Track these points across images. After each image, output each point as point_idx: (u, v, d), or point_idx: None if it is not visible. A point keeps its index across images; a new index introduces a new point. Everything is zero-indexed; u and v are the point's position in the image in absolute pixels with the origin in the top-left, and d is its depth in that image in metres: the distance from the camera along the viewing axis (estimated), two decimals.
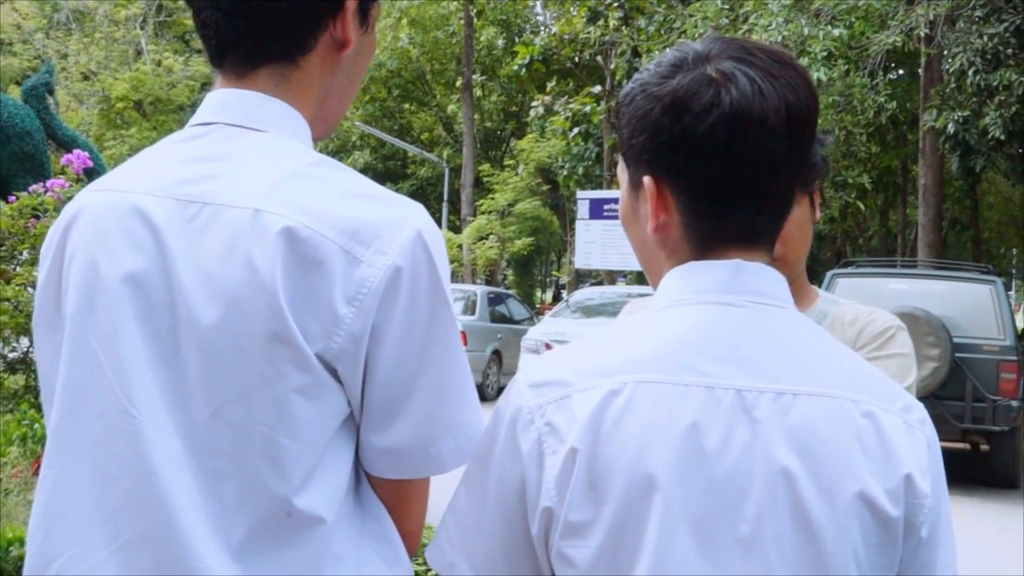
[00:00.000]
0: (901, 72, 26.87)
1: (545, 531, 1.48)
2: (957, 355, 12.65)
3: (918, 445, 1.52)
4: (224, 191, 1.60)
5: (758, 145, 1.51)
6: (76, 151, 8.52)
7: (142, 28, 39.03)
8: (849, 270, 14.83)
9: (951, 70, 18.25)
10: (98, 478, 1.59)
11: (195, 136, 1.71)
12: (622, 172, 1.69)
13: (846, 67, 19.56)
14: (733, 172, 1.53)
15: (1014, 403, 12.66)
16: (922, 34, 18.55)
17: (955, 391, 12.68)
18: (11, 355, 8.11)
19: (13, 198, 7.94)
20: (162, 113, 38.26)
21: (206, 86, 38.33)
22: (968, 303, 13.33)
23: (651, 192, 1.59)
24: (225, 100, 1.72)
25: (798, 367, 1.51)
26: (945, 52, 18.84)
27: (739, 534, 1.43)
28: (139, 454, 1.56)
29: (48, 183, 8.11)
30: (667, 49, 1.66)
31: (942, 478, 1.56)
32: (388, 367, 1.59)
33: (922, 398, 12.32)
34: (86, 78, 38.77)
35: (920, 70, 21.61)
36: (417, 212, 1.65)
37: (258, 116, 1.70)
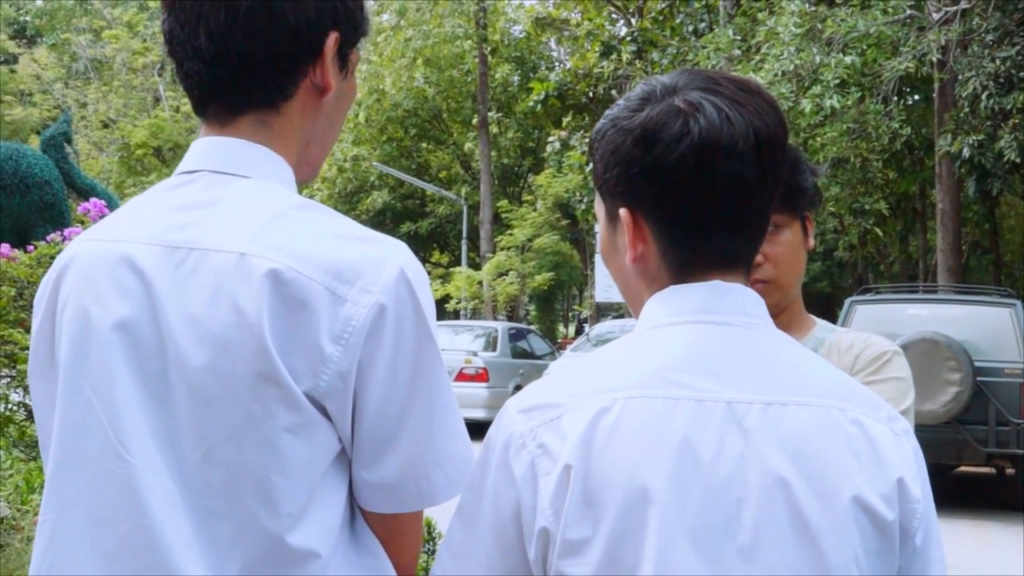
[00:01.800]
0: (915, 98, 26.84)
1: (543, 553, 1.48)
2: (979, 379, 12.56)
3: (906, 452, 1.55)
4: (210, 236, 1.64)
5: (729, 171, 1.55)
6: (93, 199, 8.59)
7: (160, 75, 39.34)
8: (868, 297, 14.78)
9: (964, 94, 18.23)
10: (94, 522, 1.63)
11: (181, 184, 1.75)
12: (599, 206, 1.72)
13: (859, 94, 19.56)
14: (706, 199, 1.56)
15: None
16: (934, 59, 18.58)
17: (978, 415, 12.57)
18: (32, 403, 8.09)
19: (31, 247, 8.00)
20: (181, 159, 38.48)
21: None
22: (989, 326, 13.25)
23: (627, 223, 1.62)
24: (209, 148, 1.77)
25: (784, 379, 1.54)
26: (958, 77, 18.81)
27: (739, 543, 1.44)
28: (133, 497, 1.59)
29: (66, 231, 8.18)
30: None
31: (930, 490, 1.58)
32: (376, 403, 1.62)
33: (946, 423, 12.29)
34: (105, 126, 39.07)
35: (934, 95, 21.58)
36: (400, 250, 1.68)
37: (241, 162, 1.74)
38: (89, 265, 1.71)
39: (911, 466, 1.54)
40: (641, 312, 1.67)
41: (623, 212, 1.62)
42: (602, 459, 1.47)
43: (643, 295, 1.68)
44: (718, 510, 1.45)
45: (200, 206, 1.69)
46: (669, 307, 1.61)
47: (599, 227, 1.76)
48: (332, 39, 1.75)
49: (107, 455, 1.62)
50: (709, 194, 1.56)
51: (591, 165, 1.70)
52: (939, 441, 12.09)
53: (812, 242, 2.81)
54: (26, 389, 7.81)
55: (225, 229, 1.64)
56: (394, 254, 1.66)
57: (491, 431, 1.59)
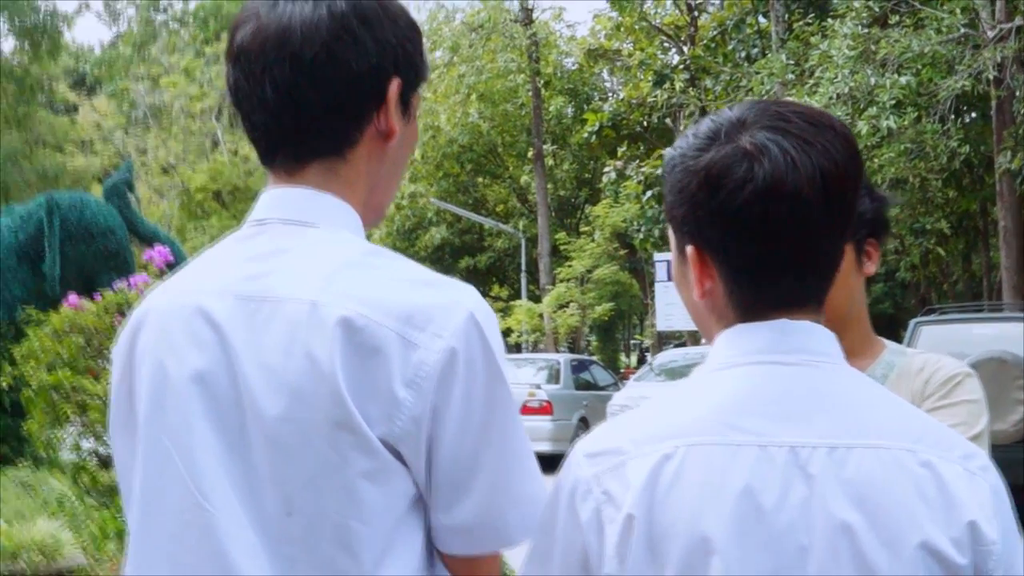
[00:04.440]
0: (972, 116, 26.63)
1: None
2: None
3: (981, 492, 1.51)
4: (282, 286, 1.66)
5: (794, 217, 1.52)
6: (157, 246, 8.71)
7: (217, 119, 39.72)
8: (932, 317, 14.63)
9: (1023, 111, 18.07)
10: (178, 572, 1.65)
11: (252, 235, 1.77)
12: (671, 236, 1.72)
13: (916, 114, 19.41)
14: (770, 245, 1.55)
15: None
16: (991, 77, 18.44)
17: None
18: (103, 450, 8.21)
19: (98, 296, 8.10)
20: (241, 201, 38.81)
21: None
22: None
23: (694, 261, 1.62)
24: (278, 198, 1.78)
25: (851, 420, 1.51)
26: (1016, 93, 18.66)
27: None
28: (215, 546, 1.61)
29: (132, 279, 8.29)
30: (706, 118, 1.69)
31: (1012, 524, 1.53)
32: (451, 447, 1.62)
33: (1017, 443, 12.11)
34: (165, 172, 39.51)
35: (991, 112, 21.40)
36: (469, 294, 1.69)
37: (310, 211, 1.75)
38: (165, 318, 1.74)
39: (986, 506, 1.50)
40: (711, 349, 1.66)
41: (690, 250, 1.62)
42: (664, 508, 1.47)
43: (713, 329, 1.68)
44: (781, 559, 1.44)
45: (271, 256, 1.71)
46: (735, 346, 1.61)
47: (672, 256, 1.76)
48: (395, 85, 1.77)
49: (187, 505, 1.64)
50: (774, 240, 1.54)
51: (657, 194, 1.68)
52: (1010, 461, 11.91)
53: (872, 268, 2.76)
54: (97, 436, 7.88)
55: (296, 278, 1.66)
56: (463, 298, 1.67)
57: (560, 473, 1.60)
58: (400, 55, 1.79)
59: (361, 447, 1.58)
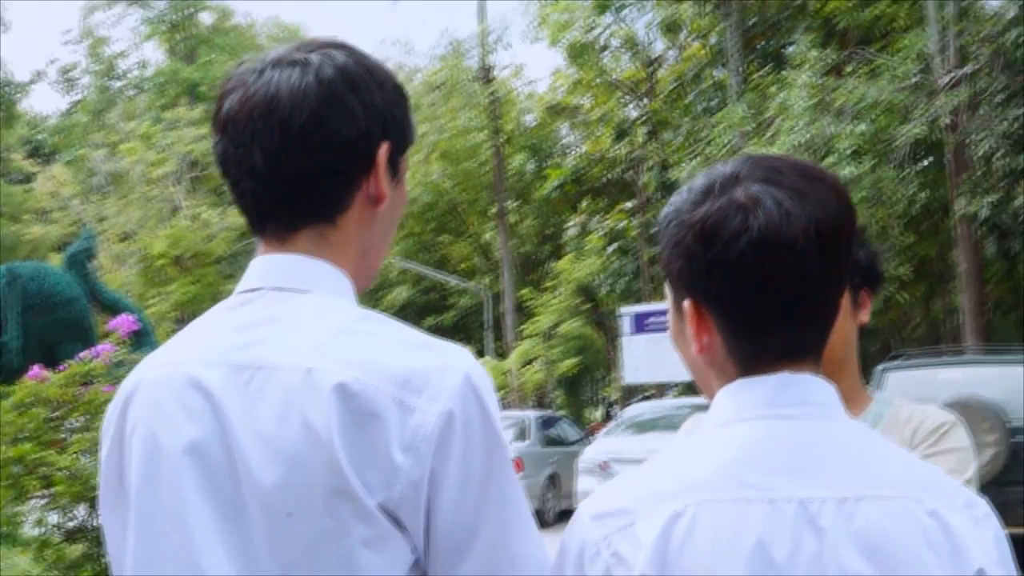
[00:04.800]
0: (928, 161, 26.91)
1: None
2: (1015, 439, 12.45)
3: (986, 539, 1.52)
4: (275, 353, 1.64)
5: (789, 267, 1.53)
6: (123, 315, 8.67)
7: (177, 185, 39.66)
8: (898, 363, 14.68)
9: (978, 156, 18.31)
10: None
11: (243, 303, 1.75)
12: (667, 292, 1.72)
13: (873, 162, 19.61)
14: (768, 296, 1.55)
15: None
16: (945, 123, 18.66)
17: (1018, 475, 12.37)
18: (69, 524, 8.11)
19: (63, 367, 8.04)
20: (202, 266, 38.69)
21: (244, 236, 38.81)
22: (1021, 385, 13.15)
23: (691, 315, 1.61)
24: (269, 265, 1.77)
25: (857, 471, 1.51)
26: (970, 139, 18.87)
27: None
28: None
29: (98, 348, 8.22)
30: (700, 171, 1.69)
31: (1012, 569, 1.55)
32: (449, 510, 1.60)
33: (985, 485, 12.14)
34: (125, 238, 39.34)
35: (947, 158, 21.65)
36: (464, 357, 1.67)
37: (302, 278, 1.74)
38: (156, 389, 1.71)
39: (991, 554, 1.51)
40: (712, 404, 1.66)
41: (687, 304, 1.62)
42: (677, 566, 1.46)
43: (712, 384, 1.67)
44: None
45: (263, 324, 1.70)
46: (737, 401, 1.60)
47: (669, 312, 1.75)
48: (384, 149, 1.77)
49: None
50: (771, 291, 1.54)
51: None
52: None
53: (866, 317, 2.77)
54: (63, 510, 7.79)
55: (290, 345, 1.65)
56: (458, 360, 1.65)
57: (564, 537, 1.58)
58: (388, 120, 1.79)
59: (359, 514, 1.56)
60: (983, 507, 1.56)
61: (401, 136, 1.82)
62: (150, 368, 1.77)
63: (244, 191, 1.76)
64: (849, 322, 2.75)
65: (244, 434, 1.61)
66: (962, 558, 1.48)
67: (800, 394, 1.58)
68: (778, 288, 1.54)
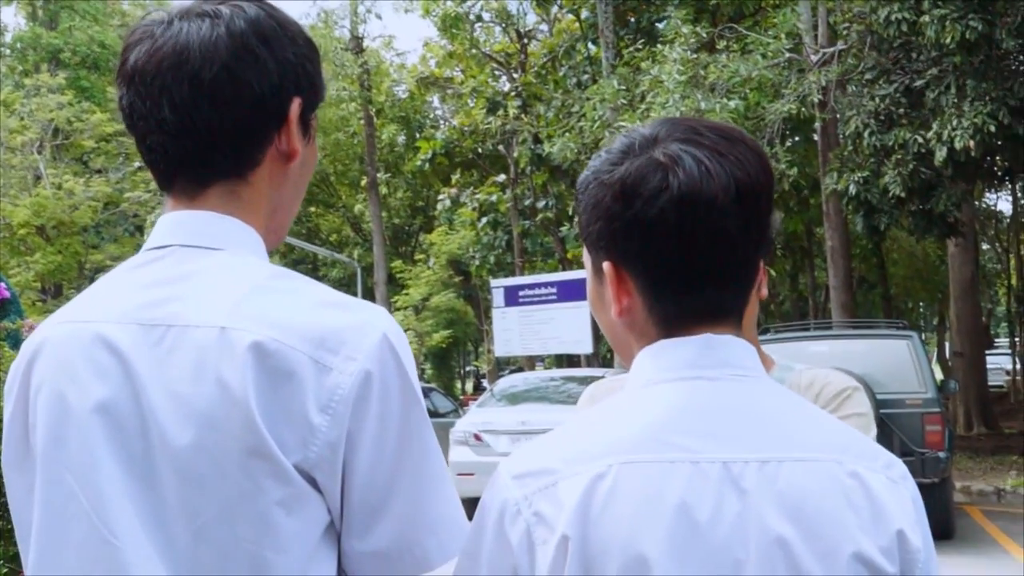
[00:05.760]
0: (797, 138, 27.38)
1: None
2: (882, 411, 12.75)
3: (904, 500, 1.53)
4: (187, 312, 1.60)
5: (710, 225, 1.53)
6: None
7: (39, 153, 38.77)
8: (767, 336, 14.96)
9: (847, 133, 18.63)
10: None
11: (151, 260, 1.71)
12: (586, 257, 1.71)
13: None
14: (688, 254, 1.54)
15: (941, 454, 12.79)
16: (816, 100, 18.97)
17: (883, 447, 12.69)
18: None
19: None
20: (66, 236, 37.92)
21: (108, 206, 38.12)
22: (888, 359, 13.49)
23: (611, 277, 1.61)
24: (178, 222, 1.72)
25: (779, 434, 1.52)
26: (840, 116, 19.23)
27: None
28: None
29: None
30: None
31: (928, 532, 1.57)
32: (366, 471, 1.58)
33: None
34: None
35: (816, 135, 22.03)
36: (380, 315, 1.66)
37: (213, 235, 1.70)
38: (62, 348, 1.66)
39: (910, 515, 1.53)
40: (632, 366, 1.65)
41: (606, 266, 1.61)
42: (599, 527, 1.44)
43: (632, 348, 1.66)
44: (718, 573, 1.43)
45: (174, 281, 1.65)
46: (660, 363, 1.59)
47: (587, 277, 1.74)
48: (296, 104, 1.74)
49: (93, 541, 1.57)
50: (691, 249, 1.54)
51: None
52: None
53: (764, 291, 2.80)
54: None
55: (202, 304, 1.61)
56: (375, 319, 1.63)
57: (484, 496, 1.56)
58: (301, 75, 1.75)
59: (276, 475, 1.53)
60: (900, 468, 1.58)
61: (313, 92, 1.79)
62: (54, 327, 1.71)
63: (152, 145, 1.71)
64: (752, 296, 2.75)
65: (156, 393, 1.57)
66: (882, 519, 1.49)
67: (724, 356, 1.59)
68: (698, 246, 1.54)
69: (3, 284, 8.30)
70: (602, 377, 4.30)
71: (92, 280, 38.69)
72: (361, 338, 1.59)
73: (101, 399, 1.59)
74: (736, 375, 1.58)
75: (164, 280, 1.66)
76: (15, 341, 8.13)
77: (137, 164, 39.03)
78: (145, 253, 1.73)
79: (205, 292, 1.63)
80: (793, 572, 1.43)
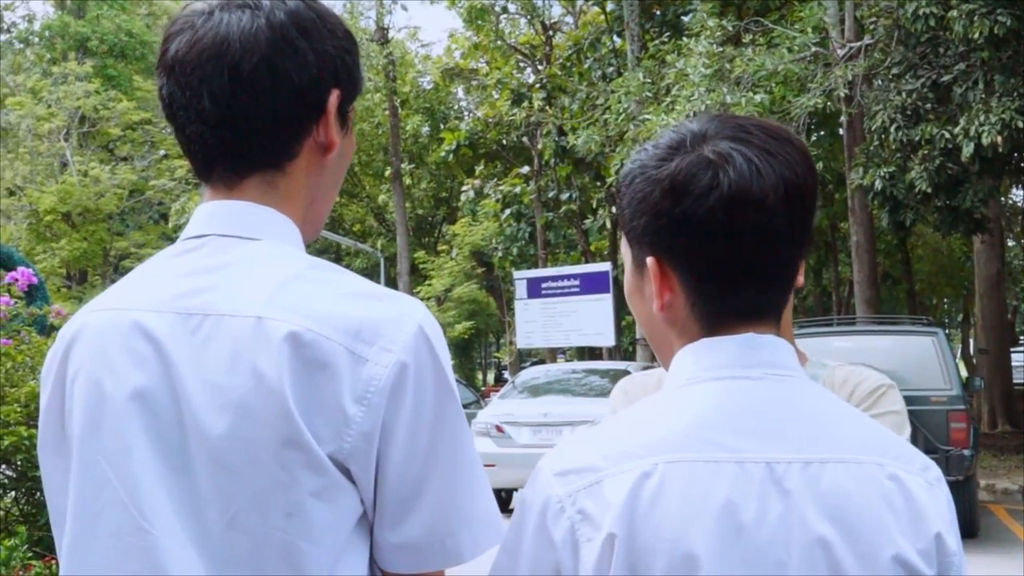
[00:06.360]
0: (823, 133, 27.27)
1: None
2: (906, 408, 12.66)
3: (940, 504, 1.54)
4: (224, 301, 1.61)
5: (758, 224, 1.53)
6: (21, 269, 8.44)
7: (66, 140, 38.93)
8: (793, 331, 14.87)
9: (873, 128, 18.51)
10: None
11: (189, 249, 1.72)
12: (625, 251, 1.71)
13: None
14: (734, 252, 1.55)
15: (966, 452, 12.72)
16: (842, 94, 18.88)
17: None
18: None
19: None
20: (91, 223, 38.10)
21: (134, 193, 38.28)
22: (912, 356, 13.41)
23: (655, 273, 1.61)
24: (216, 212, 1.73)
25: (820, 435, 1.52)
26: (866, 111, 19.13)
27: None
28: (156, 569, 1.56)
29: None
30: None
31: (959, 536, 1.57)
32: (399, 463, 1.59)
33: None
34: (12, 193, 38.56)
35: (842, 130, 21.92)
36: (417, 307, 1.66)
37: (250, 225, 1.71)
38: (100, 335, 1.67)
39: (947, 518, 1.54)
40: (672, 363, 1.65)
41: (650, 261, 1.61)
42: (647, 526, 1.44)
43: (672, 343, 1.67)
44: (761, 574, 1.44)
45: (211, 271, 1.66)
46: (702, 361, 1.59)
47: (625, 270, 1.74)
48: (334, 96, 1.74)
49: (127, 528, 1.58)
50: (738, 247, 1.54)
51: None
52: None
53: (801, 279, 2.79)
54: None
55: (239, 293, 1.62)
56: (411, 311, 1.64)
57: (526, 492, 1.56)
58: (339, 67, 1.76)
59: (310, 465, 1.54)
60: (936, 471, 1.59)
61: (351, 84, 1.80)
62: (93, 313, 1.73)
63: (191, 136, 1.72)
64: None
65: (191, 382, 1.58)
66: (921, 522, 1.50)
67: (766, 356, 1.59)
68: (745, 245, 1.55)
69: (31, 270, 8.34)
70: (625, 370, 4.30)
71: (117, 267, 38.94)
72: (397, 330, 1.60)
73: (137, 387, 1.60)
74: (778, 375, 1.58)
75: (201, 269, 1.67)
76: (41, 327, 8.17)
77: (163, 152, 39.19)
78: (183, 242, 1.74)
79: (242, 282, 1.63)
80: (834, 573, 1.44)
